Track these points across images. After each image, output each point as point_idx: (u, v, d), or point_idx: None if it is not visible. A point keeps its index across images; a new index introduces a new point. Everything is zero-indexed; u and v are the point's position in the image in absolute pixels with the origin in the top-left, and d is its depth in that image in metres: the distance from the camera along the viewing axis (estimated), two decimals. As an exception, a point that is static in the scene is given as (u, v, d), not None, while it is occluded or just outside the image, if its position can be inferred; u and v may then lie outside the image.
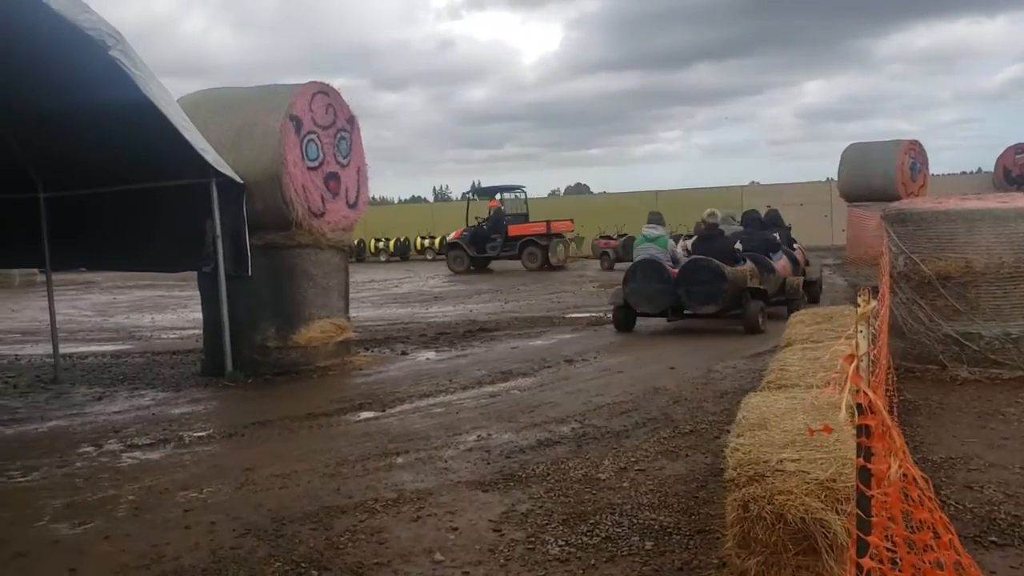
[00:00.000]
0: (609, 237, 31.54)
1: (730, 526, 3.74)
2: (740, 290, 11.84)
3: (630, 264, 12.74)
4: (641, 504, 5.23)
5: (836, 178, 26.90)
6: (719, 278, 11.52)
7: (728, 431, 5.23)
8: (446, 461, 6.45)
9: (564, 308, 16.32)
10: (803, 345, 6.30)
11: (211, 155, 9.16)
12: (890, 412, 7.00)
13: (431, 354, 11.25)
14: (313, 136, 10.07)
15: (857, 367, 2.96)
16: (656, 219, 13.04)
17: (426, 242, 38.59)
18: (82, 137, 9.13)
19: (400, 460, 6.53)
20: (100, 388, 9.88)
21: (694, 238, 13.42)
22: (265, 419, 8.00)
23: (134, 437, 7.52)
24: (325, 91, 10.36)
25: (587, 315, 14.92)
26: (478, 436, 7.11)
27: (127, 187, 9.57)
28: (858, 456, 2.85)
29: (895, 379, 7.99)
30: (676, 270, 11.98)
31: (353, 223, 10.78)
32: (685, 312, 12.12)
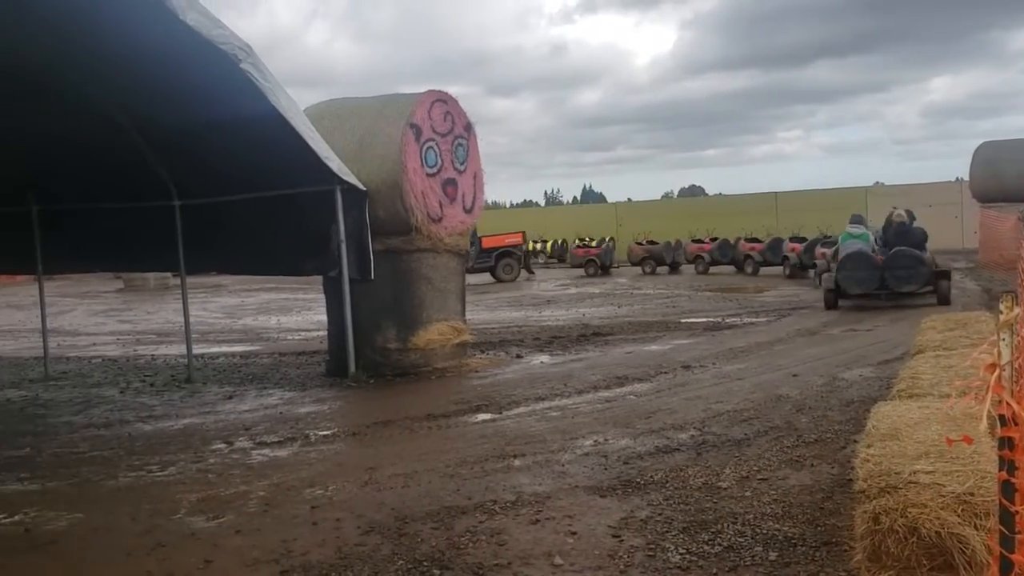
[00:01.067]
0: (588, 245, 31.12)
1: (860, 539, 3.63)
2: (932, 272, 15.01)
3: (842, 255, 15.46)
4: (764, 514, 5.12)
5: (966, 178, 25.72)
6: (919, 263, 14.91)
7: (856, 441, 5.08)
8: (563, 465, 6.46)
9: (680, 313, 16.13)
10: (935, 352, 6.05)
11: (335, 163, 9.46)
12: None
13: (545, 357, 11.30)
14: (432, 143, 10.28)
15: (1000, 377, 2.83)
16: (858, 219, 16.81)
17: (537, 245, 38.89)
18: (213, 146, 9.56)
19: (517, 463, 6.58)
20: (230, 387, 10.32)
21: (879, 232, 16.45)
22: (386, 419, 8.20)
23: (263, 435, 7.82)
24: (443, 99, 10.56)
25: (704, 320, 14.72)
26: (595, 441, 7.10)
27: (256, 195, 9.97)
28: (1000, 469, 2.74)
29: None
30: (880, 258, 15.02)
31: (469, 227, 10.94)
32: (889, 291, 15.06)
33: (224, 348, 13.99)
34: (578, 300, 19.80)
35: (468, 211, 10.89)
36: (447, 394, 9.23)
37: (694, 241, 30.00)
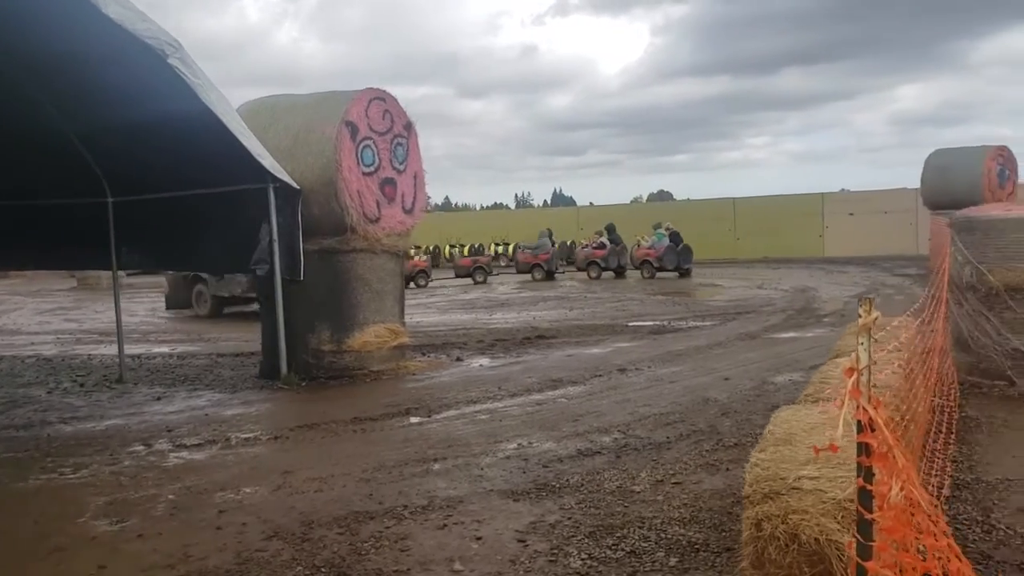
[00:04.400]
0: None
1: (744, 545, 3.59)
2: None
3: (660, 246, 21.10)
4: (672, 519, 5.09)
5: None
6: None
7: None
8: (482, 469, 6.39)
9: (628, 316, 16.13)
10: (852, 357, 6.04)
11: (268, 161, 9.32)
12: (948, 429, 6.70)
13: (485, 360, 11.22)
14: (369, 142, 10.15)
15: (857, 382, 2.80)
16: (658, 224, 25.37)
17: (499, 248, 38.78)
18: (145, 143, 9.38)
19: (437, 466, 6.50)
20: (161, 388, 10.12)
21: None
22: (312, 422, 8.08)
23: (184, 437, 7.67)
24: (382, 97, 10.44)
25: (650, 323, 14.72)
26: (518, 444, 7.04)
27: (189, 192, 9.79)
28: (858, 476, 2.70)
29: (958, 394, 7.65)
30: None
31: (410, 228, 10.83)
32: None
33: (163, 348, 13.76)
34: (531, 303, 19.74)
35: (408, 211, 10.78)
36: (378, 397, 9.12)
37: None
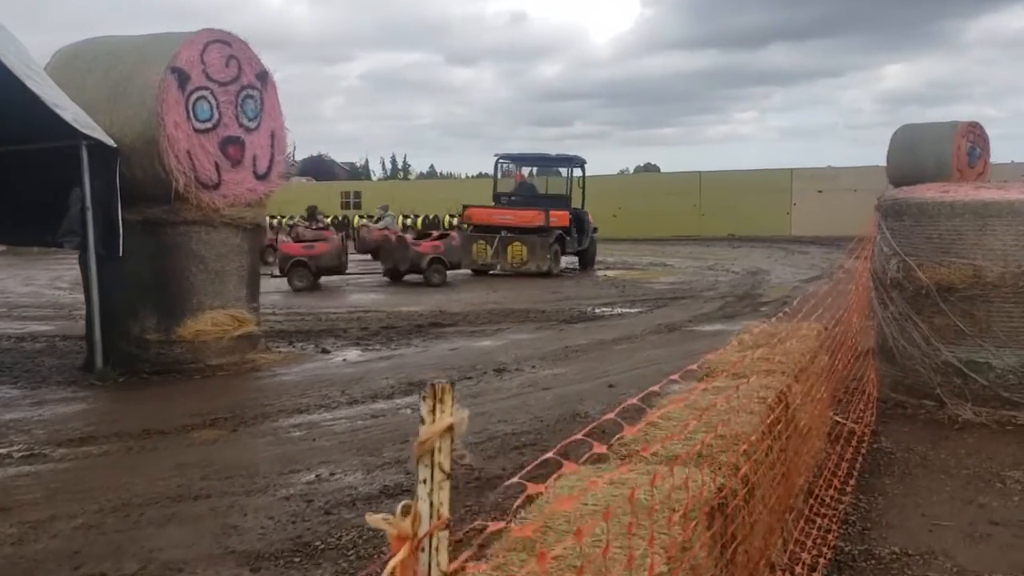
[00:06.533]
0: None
1: None
2: None
3: None
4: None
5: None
6: None
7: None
8: (245, 515, 4.91)
9: (555, 300, 14.63)
10: (718, 381, 4.57)
11: (70, 112, 7.71)
12: (850, 469, 5.25)
13: (355, 353, 9.68)
14: (204, 93, 8.53)
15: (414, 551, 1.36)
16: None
17: (455, 220, 36.99)
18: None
19: (191, 509, 5.03)
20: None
21: None
22: (91, 434, 6.59)
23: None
24: (225, 40, 8.80)
25: (570, 310, 13.25)
26: (316, 476, 5.57)
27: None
28: None
29: (874, 416, 6.21)
30: None
31: (263, 197, 9.24)
32: None
33: (12, 327, 12.11)
34: (461, 283, 18.08)
35: (262, 177, 9.18)
36: (193, 401, 7.59)
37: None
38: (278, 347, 9.94)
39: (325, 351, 9.75)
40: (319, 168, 63.08)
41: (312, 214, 25.79)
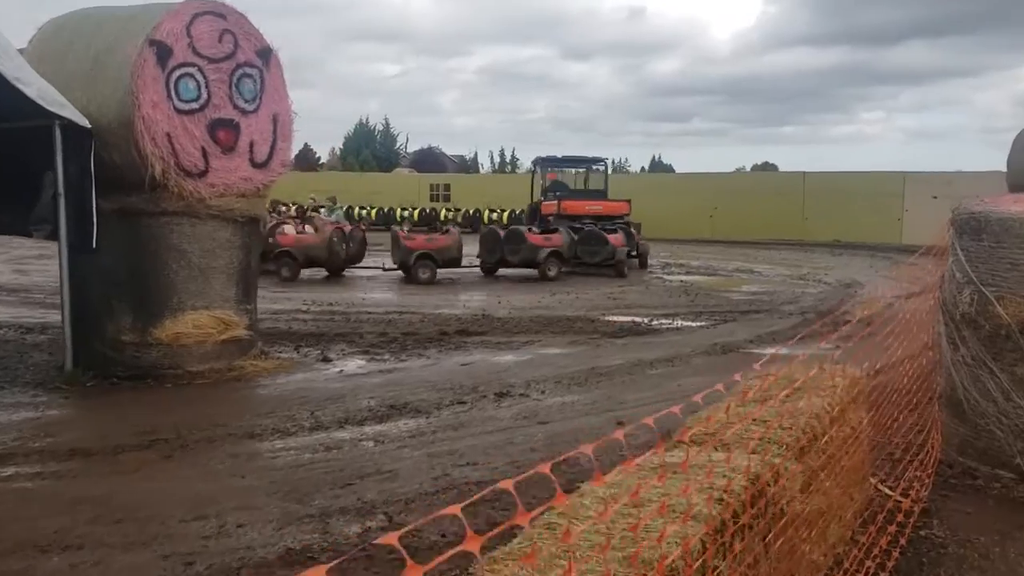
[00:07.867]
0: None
1: None
2: None
3: None
4: None
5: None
6: None
7: None
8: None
9: (613, 308, 13.38)
10: (691, 451, 3.38)
11: (34, 88, 6.99)
12: (877, 569, 3.95)
13: (354, 364, 8.70)
14: (191, 70, 7.68)
15: None
16: None
17: (494, 215, 35.03)
18: None
19: (46, 565, 4.14)
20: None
21: None
22: (10, 453, 5.85)
23: None
24: (219, 12, 7.93)
25: (625, 320, 12.01)
26: (220, 526, 4.65)
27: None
28: None
29: (931, 486, 4.86)
30: None
31: (261, 187, 8.36)
32: None
33: (17, 316, 11.56)
34: (518, 283, 16.99)
35: (260, 165, 8.31)
36: (147, 415, 6.75)
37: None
38: (279, 352, 9.07)
39: (326, 359, 8.80)
40: (427, 160, 62.77)
41: (310, 209, 24.06)
